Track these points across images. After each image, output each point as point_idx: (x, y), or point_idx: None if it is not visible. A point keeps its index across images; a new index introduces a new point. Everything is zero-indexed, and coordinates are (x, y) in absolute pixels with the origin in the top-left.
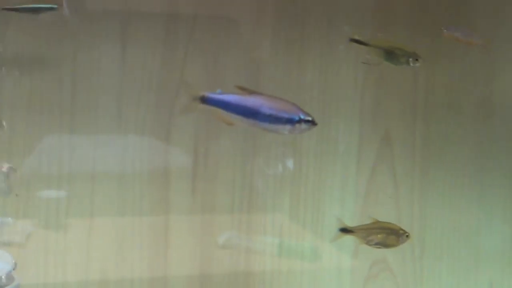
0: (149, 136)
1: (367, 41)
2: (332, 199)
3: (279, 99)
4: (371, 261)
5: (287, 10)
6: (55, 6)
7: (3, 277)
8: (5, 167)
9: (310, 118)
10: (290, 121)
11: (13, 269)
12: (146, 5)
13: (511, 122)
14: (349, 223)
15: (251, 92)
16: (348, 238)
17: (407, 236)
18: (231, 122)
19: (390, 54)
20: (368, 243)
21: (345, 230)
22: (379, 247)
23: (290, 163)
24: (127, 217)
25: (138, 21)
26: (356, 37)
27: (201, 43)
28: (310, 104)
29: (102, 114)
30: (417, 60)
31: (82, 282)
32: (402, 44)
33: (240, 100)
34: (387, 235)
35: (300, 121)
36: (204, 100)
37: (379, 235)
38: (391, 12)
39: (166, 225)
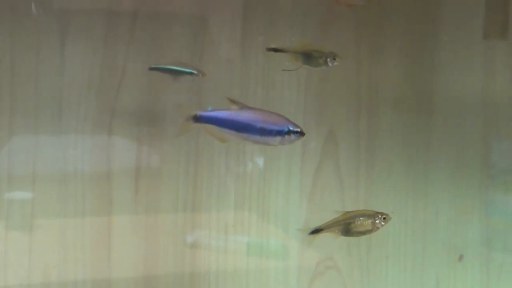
0: (90, 136)
1: (284, 48)
2: (277, 197)
3: (269, 112)
4: (317, 259)
5: (230, 7)
6: (195, 72)
7: None
8: None
9: (298, 129)
10: (280, 133)
11: None
12: (85, 2)
13: (454, 117)
14: (295, 221)
15: (241, 106)
16: (294, 236)
17: (384, 218)
18: (225, 139)
19: (308, 57)
20: (345, 234)
21: (315, 231)
22: (358, 235)
23: (234, 161)
24: (69, 218)
25: (78, 19)
26: (272, 46)
27: (143, 41)
28: (253, 102)
29: (42, 114)
30: (334, 59)
31: (23, 285)
32: (319, 46)
33: (232, 115)
34: (361, 222)
35: (289, 132)
36: (197, 119)
37: (352, 224)
38: (331, 11)
39: (109, 226)
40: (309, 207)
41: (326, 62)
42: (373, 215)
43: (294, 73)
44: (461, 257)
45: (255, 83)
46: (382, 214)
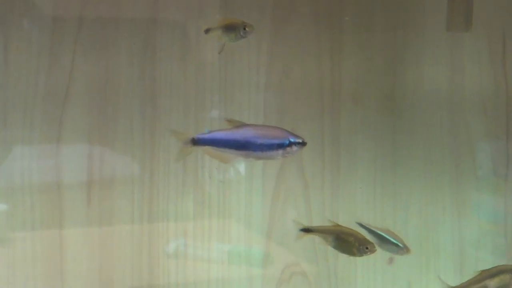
0: (38, 145)
1: (209, 27)
2: (238, 203)
3: (267, 126)
4: (283, 265)
5: (182, 5)
6: (401, 246)
7: None
8: None
9: (300, 140)
10: (281, 146)
11: None
12: (29, 6)
13: (421, 113)
14: (258, 226)
15: (238, 124)
16: (258, 242)
17: (367, 248)
18: (227, 160)
19: (227, 31)
20: (329, 244)
21: (306, 230)
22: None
23: (192, 167)
24: (18, 232)
25: (22, 24)
26: (206, 27)
27: (89, 45)
28: (211, 103)
29: None
30: (245, 29)
31: None
32: (235, 18)
33: (230, 135)
34: (348, 243)
35: (290, 144)
36: (195, 142)
37: (339, 241)
38: (292, 4)
39: (60, 239)
40: (272, 211)
41: (239, 34)
42: (361, 240)
43: (254, 71)
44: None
45: (211, 82)
46: (366, 244)
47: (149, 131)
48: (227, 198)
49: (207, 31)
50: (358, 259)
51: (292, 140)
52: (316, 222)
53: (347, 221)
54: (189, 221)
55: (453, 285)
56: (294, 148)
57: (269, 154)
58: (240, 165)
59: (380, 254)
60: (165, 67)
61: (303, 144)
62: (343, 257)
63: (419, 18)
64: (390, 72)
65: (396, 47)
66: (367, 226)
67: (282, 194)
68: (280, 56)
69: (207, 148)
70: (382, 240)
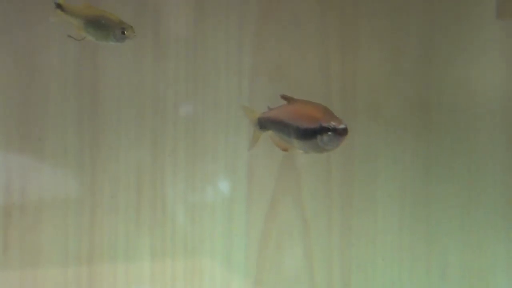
0: None
1: (69, 8)
2: (213, 254)
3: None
4: None
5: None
6: None
7: None
8: None
9: (337, 126)
10: (310, 134)
11: None
12: None
13: (464, 128)
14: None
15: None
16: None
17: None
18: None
19: (93, 25)
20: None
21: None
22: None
23: (149, 185)
24: None
25: None
26: (60, 1)
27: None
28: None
29: None
30: (124, 33)
31: None
32: (108, 12)
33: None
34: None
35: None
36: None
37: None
38: None
39: None
40: (259, 268)
41: (114, 35)
42: None
43: (236, 71)
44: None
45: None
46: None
47: (89, 138)
48: (197, 252)
49: (60, 7)
50: None
51: (325, 125)
52: (319, 277)
53: (363, 278)
54: (144, 262)
55: None
56: (325, 138)
57: (306, 145)
58: (220, 185)
59: None
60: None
61: (341, 131)
62: None
63: (462, 4)
64: (422, 73)
65: (430, 40)
66: None
67: (273, 237)
68: (269, 52)
69: (270, 133)
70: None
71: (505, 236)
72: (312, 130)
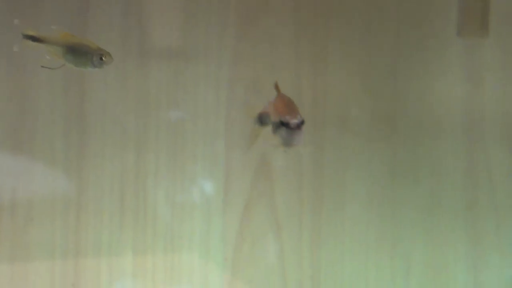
0: None
1: (42, 37)
2: (192, 251)
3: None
4: None
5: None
6: None
7: None
8: None
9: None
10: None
11: None
12: None
13: (428, 137)
14: (217, 273)
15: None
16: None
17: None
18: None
19: (72, 53)
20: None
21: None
22: None
23: (132, 186)
24: None
25: None
26: (31, 33)
27: None
28: (157, 128)
29: None
30: (102, 59)
31: None
32: (85, 39)
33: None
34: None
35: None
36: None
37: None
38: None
39: None
40: (234, 265)
41: (92, 62)
42: None
43: (214, 83)
44: None
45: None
46: None
47: (76, 142)
48: (176, 246)
49: (32, 38)
50: None
51: (282, 120)
52: (291, 275)
53: (331, 276)
54: (127, 257)
55: None
56: (282, 132)
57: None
58: (199, 187)
59: None
60: (94, 73)
61: (293, 126)
62: None
63: (424, 20)
64: (389, 87)
65: (395, 56)
66: None
67: (247, 240)
68: (245, 67)
69: None
70: None
71: (464, 237)
72: (275, 124)
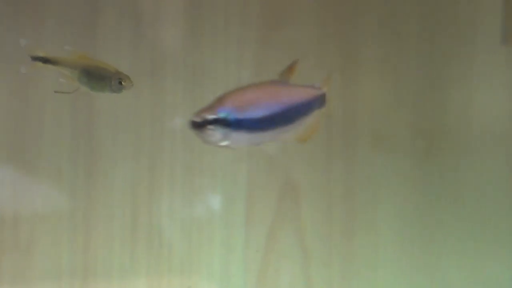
0: None
1: (55, 58)
2: (210, 280)
3: None
4: None
5: None
6: None
7: None
8: None
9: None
10: None
11: None
12: None
13: (470, 154)
14: None
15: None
16: None
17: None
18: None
19: (88, 76)
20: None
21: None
22: None
23: (144, 201)
24: None
25: None
26: (41, 54)
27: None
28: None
29: None
30: (121, 83)
31: None
32: (103, 62)
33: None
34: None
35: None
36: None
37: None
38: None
39: None
40: None
41: (110, 86)
42: None
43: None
44: None
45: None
46: None
47: (85, 150)
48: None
49: (42, 60)
50: None
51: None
52: None
53: None
54: (140, 282)
55: None
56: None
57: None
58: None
59: None
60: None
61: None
62: None
63: (466, 28)
64: (427, 99)
65: (432, 65)
66: None
67: (271, 267)
68: (267, 73)
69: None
70: None
71: (509, 262)
72: None
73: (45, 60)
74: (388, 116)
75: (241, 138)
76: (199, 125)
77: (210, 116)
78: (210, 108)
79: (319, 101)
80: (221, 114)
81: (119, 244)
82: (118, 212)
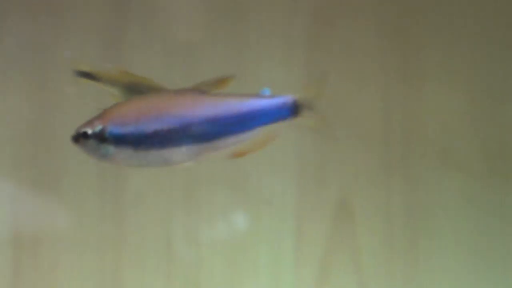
0: None
1: (100, 75)
2: None
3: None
4: None
5: None
6: None
7: None
8: None
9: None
10: None
11: None
12: None
13: None
14: None
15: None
16: None
17: None
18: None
19: (130, 92)
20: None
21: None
22: None
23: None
24: None
25: None
26: (85, 69)
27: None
28: None
29: None
30: None
31: None
32: (147, 79)
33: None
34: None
35: None
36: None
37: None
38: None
39: None
40: None
41: None
42: None
43: None
44: None
45: None
46: None
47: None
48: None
49: (87, 76)
50: None
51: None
52: None
53: None
54: None
55: None
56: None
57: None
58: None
59: None
60: None
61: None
62: None
63: None
64: (500, 112)
65: (510, 74)
66: None
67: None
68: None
69: None
70: None
71: None
72: None
73: (90, 76)
74: (457, 130)
75: (126, 155)
76: (74, 139)
77: (84, 130)
78: (90, 121)
79: (278, 111)
80: (97, 129)
81: (152, 272)
82: (150, 238)
